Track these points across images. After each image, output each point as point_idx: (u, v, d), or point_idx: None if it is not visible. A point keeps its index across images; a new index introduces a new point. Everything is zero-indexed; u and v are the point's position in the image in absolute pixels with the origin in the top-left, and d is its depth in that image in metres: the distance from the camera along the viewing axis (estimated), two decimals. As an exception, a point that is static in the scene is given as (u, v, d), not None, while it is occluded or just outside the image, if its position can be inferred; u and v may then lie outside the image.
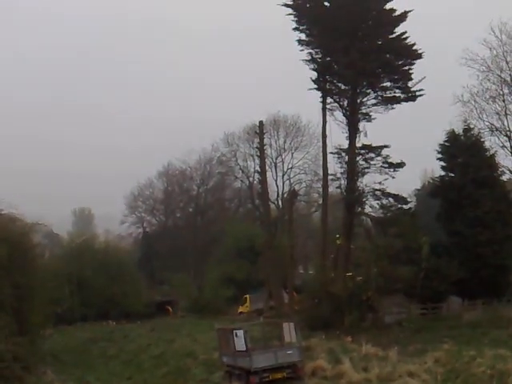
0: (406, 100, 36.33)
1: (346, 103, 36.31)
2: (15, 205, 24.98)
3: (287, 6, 36.17)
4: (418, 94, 35.91)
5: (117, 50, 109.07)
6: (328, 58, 36.66)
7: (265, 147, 43.94)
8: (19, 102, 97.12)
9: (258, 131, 43.53)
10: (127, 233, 71.44)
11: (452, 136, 38.06)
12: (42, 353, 25.79)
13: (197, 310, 46.98)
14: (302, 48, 36.56)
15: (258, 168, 46.09)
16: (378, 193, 35.08)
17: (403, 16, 35.09)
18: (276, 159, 56.88)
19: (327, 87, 36.72)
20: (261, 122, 43.01)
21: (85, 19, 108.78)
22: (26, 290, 23.58)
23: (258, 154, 43.88)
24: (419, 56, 35.45)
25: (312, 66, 36.50)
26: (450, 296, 35.40)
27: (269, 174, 48.07)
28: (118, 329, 39.33)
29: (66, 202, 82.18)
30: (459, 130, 38.65)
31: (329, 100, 36.83)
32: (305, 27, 36.66)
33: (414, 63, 35.68)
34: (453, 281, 33.58)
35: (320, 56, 36.59)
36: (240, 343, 18.51)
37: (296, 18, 36.42)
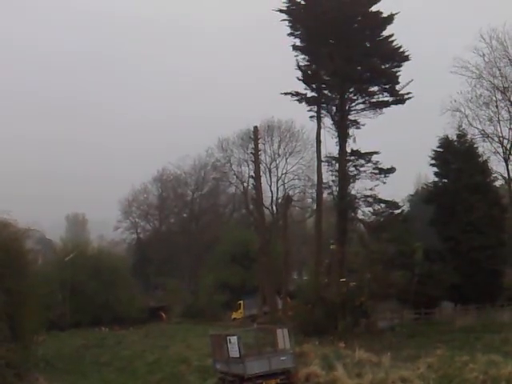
0: (395, 103, 36.48)
1: (334, 110, 36.47)
2: (8, 210, 24.85)
3: (281, 11, 36.35)
4: (406, 96, 36.07)
5: (115, 50, 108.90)
6: (314, 65, 36.77)
7: (259, 153, 44.01)
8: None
9: (252, 136, 43.61)
10: (121, 238, 71.27)
11: (445, 142, 38.31)
12: (34, 359, 25.57)
13: (191, 315, 46.87)
14: (296, 54, 36.81)
15: (252, 173, 46.11)
16: (369, 199, 35.21)
17: (389, 19, 35.26)
18: (270, 165, 56.71)
19: (315, 96, 36.79)
20: (255, 128, 43.10)
21: (87, 17, 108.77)
22: (18, 295, 23.40)
23: (253, 159, 43.94)
24: (406, 58, 35.63)
25: (302, 73, 36.59)
26: (443, 301, 35.53)
27: (263, 180, 48.10)
28: (111, 335, 39.13)
29: (60, 207, 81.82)
30: (452, 135, 38.96)
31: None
32: (299, 33, 36.86)
33: (401, 65, 35.87)
34: (446, 286, 33.70)
35: (308, 63, 36.70)
36: (233, 349, 18.45)
37: (290, 24, 36.63)
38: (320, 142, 36.89)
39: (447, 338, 27.32)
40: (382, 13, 35.21)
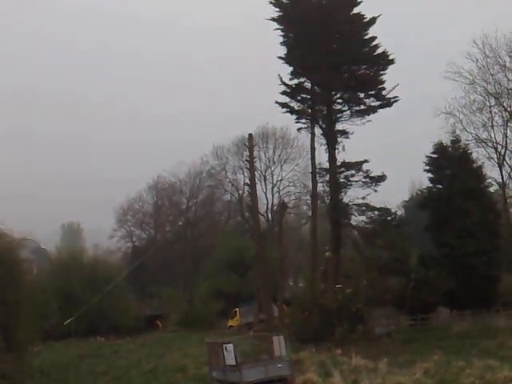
0: (382, 107, 36.49)
1: (321, 121, 36.49)
2: (2, 220, 24.78)
3: (274, 20, 36.43)
4: (393, 100, 36.04)
5: (113, 49, 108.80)
6: (302, 77, 36.60)
7: (254, 160, 44.05)
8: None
9: (247, 144, 43.65)
10: (116, 247, 71.03)
11: (440, 148, 38.44)
12: (30, 369, 25.43)
13: (187, 323, 46.67)
14: (288, 65, 36.77)
15: (247, 181, 46.14)
16: (362, 208, 35.19)
17: (371, 21, 35.28)
18: (265, 172, 57.05)
19: (301, 108, 36.75)
20: (250, 135, 43.11)
21: (84, 16, 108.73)
22: (13, 305, 23.29)
23: (248, 166, 43.94)
24: (391, 62, 35.75)
25: (286, 87, 36.32)
26: (439, 307, 35.54)
27: (258, 187, 48.22)
28: (107, 345, 38.91)
29: (55, 216, 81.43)
30: (447, 141, 39.14)
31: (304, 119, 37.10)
32: (289, 42, 36.89)
33: (386, 68, 35.90)
34: (442, 291, 33.73)
35: (293, 74, 36.49)
36: (230, 357, 18.44)
37: (283, 33, 36.72)
38: (314, 149, 36.97)
39: (443, 344, 27.34)
40: (364, 16, 35.17)
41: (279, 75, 36.13)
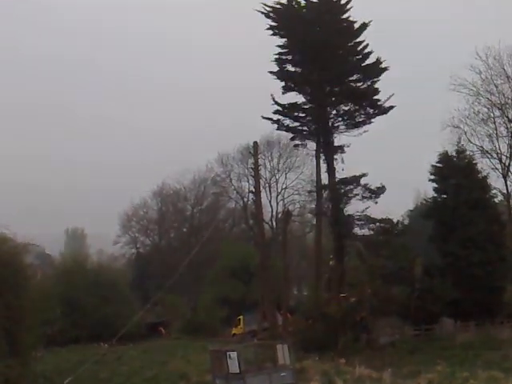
0: (378, 114, 36.39)
1: (317, 138, 36.47)
2: (7, 225, 24.90)
3: (273, 32, 36.35)
4: (388, 108, 35.95)
5: (117, 64, 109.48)
6: (294, 92, 36.51)
7: (259, 168, 44.11)
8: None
9: (252, 151, 43.74)
10: (120, 253, 71.08)
11: (444, 157, 38.40)
12: (33, 375, 25.45)
13: (190, 331, 46.60)
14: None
15: (252, 188, 46.15)
16: (363, 221, 35.13)
17: (362, 28, 34.97)
18: (270, 180, 57.17)
19: (295, 127, 36.77)
20: (255, 143, 43.16)
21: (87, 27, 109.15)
22: (17, 310, 23.37)
23: (253, 174, 44.01)
24: (384, 69, 35.57)
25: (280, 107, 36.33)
26: (443, 317, 35.39)
27: (263, 195, 48.12)
28: (111, 351, 38.85)
29: (59, 222, 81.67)
30: (452, 151, 39.09)
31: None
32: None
33: (379, 76, 35.76)
34: (446, 302, 33.60)
35: (284, 90, 36.40)
36: (233, 365, 18.43)
37: (286, 43, 36.74)
38: (320, 156, 37.03)
39: (447, 354, 27.22)
40: (355, 22, 34.96)
41: (272, 95, 36.04)
